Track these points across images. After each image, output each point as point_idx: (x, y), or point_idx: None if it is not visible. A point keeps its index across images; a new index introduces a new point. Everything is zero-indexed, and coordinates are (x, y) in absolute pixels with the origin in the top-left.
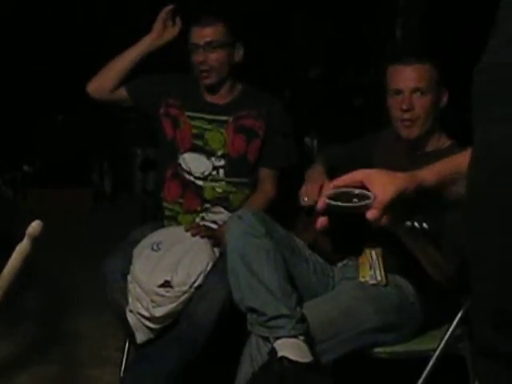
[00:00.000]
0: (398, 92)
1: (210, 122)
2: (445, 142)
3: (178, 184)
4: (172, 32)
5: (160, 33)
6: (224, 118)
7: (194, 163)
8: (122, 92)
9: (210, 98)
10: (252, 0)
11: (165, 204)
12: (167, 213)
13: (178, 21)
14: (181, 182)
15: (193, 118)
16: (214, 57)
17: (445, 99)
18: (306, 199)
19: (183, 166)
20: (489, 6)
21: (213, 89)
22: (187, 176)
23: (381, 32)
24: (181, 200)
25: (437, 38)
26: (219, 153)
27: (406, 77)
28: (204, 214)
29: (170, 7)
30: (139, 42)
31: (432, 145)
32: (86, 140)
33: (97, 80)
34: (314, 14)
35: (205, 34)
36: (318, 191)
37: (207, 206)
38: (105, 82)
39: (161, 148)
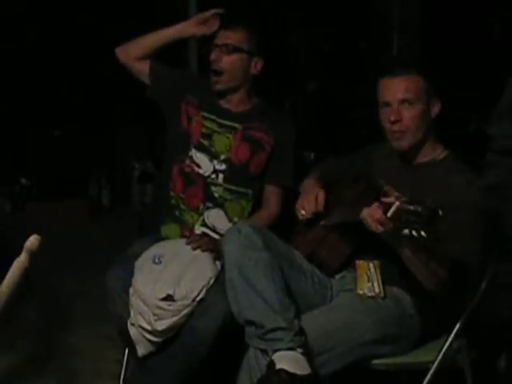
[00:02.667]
0: (387, 104)
1: (221, 125)
2: (440, 152)
3: (181, 180)
4: (208, 28)
5: (198, 23)
6: (235, 124)
7: (200, 160)
8: (145, 65)
9: (224, 104)
10: (252, 17)
11: (171, 193)
12: (173, 201)
13: (217, 22)
14: (184, 177)
15: (206, 119)
16: (227, 59)
17: (436, 109)
18: (303, 213)
19: (194, 158)
20: (483, 21)
21: (223, 96)
22: (196, 169)
23: (377, 47)
24: (182, 195)
25: (432, 52)
26: (222, 157)
27: (393, 88)
28: (205, 216)
29: (220, 10)
30: (175, 25)
31: (426, 156)
32: (83, 153)
33: (127, 44)
34: (313, 29)
35: (226, 36)
36: (314, 203)
37: (209, 204)
38: (132, 49)
39: (171, 142)
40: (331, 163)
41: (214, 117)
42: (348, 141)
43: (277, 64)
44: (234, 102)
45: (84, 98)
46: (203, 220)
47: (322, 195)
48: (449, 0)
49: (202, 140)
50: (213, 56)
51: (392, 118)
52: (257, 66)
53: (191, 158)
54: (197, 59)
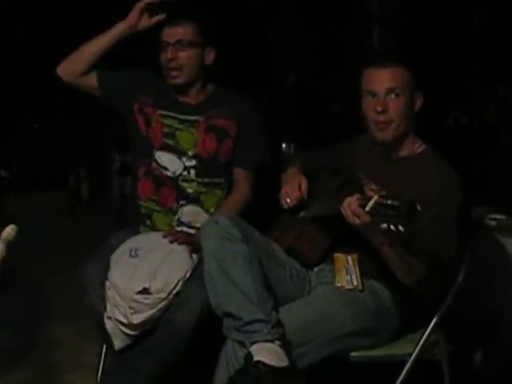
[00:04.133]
0: (373, 94)
1: (182, 121)
2: (419, 146)
3: (150, 182)
4: (146, 22)
5: (134, 21)
6: (195, 117)
7: (166, 162)
8: (92, 78)
9: (180, 98)
10: (230, 8)
11: (140, 202)
12: (143, 211)
13: (155, 14)
14: (154, 179)
15: (164, 117)
16: (184, 55)
17: (419, 103)
18: (288, 200)
19: (159, 162)
20: (463, 12)
21: (181, 89)
22: (164, 171)
23: (357, 39)
24: (154, 197)
25: (412, 44)
26: (190, 153)
27: (381, 78)
28: (179, 214)
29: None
30: (112, 28)
31: (406, 149)
32: (63, 145)
33: (67, 62)
34: (292, 21)
35: (175, 32)
36: (298, 190)
37: (182, 202)
38: (74, 65)
39: (133, 145)
40: (311, 154)
41: (173, 113)
42: (328, 133)
43: (256, 57)
44: (191, 95)
45: (64, 90)
46: (178, 219)
47: (304, 182)
48: None
49: (165, 140)
50: (169, 55)
51: (379, 109)
52: (210, 56)
53: (156, 161)
54: None
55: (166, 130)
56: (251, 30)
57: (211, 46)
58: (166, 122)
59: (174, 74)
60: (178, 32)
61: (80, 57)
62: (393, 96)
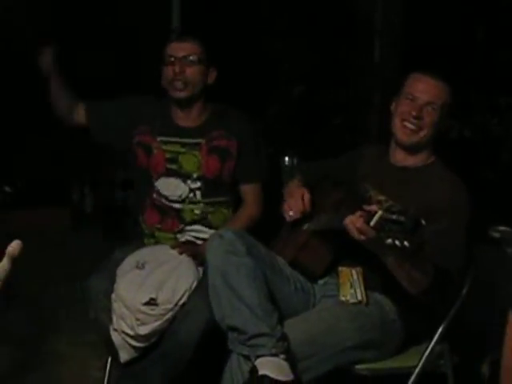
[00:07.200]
0: (413, 99)
1: (183, 145)
2: (429, 157)
3: (156, 212)
4: None
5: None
6: (197, 140)
7: (171, 187)
8: (81, 111)
9: (181, 122)
10: (237, 25)
11: (143, 225)
12: (146, 231)
13: None
14: (159, 210)
15: (165, 143)
16: (190, 71)
17: (447, 123)
18: (291, 214)
19: (161, 191)
20: (464, 25)
21: (184, 104)
22: (165, 201)
23: (359, 52)
24: (159, 226)
25: (414, 58)
26: (195, 175)
27: (427, 88)
28: (182, 234)
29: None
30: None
31: (417, 159)
32: (67, 160)
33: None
34: (297, 35)
35: (183, 47)
36: (301, 202)
37: (187, 227)
38: (57, 109)
39: (137, 176)
40: (314, 166)
41: (174, 139)
42: (331, 146)
43: (261, 71)
44: (192, 117)
45: None
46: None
47: (307, 195)
48: (431, 4)
49: (169, 166)
50: (177, 68)
51: (414, 113)
52: (212, 75)
53: (158, 191)
54: None
55: (168, 155)
56: (257, 43)
57: (214, 67)
58: (167, 147)
59: (180, 86)
60: (186, 48)
61: (55, 103)
62: (429, 108)
